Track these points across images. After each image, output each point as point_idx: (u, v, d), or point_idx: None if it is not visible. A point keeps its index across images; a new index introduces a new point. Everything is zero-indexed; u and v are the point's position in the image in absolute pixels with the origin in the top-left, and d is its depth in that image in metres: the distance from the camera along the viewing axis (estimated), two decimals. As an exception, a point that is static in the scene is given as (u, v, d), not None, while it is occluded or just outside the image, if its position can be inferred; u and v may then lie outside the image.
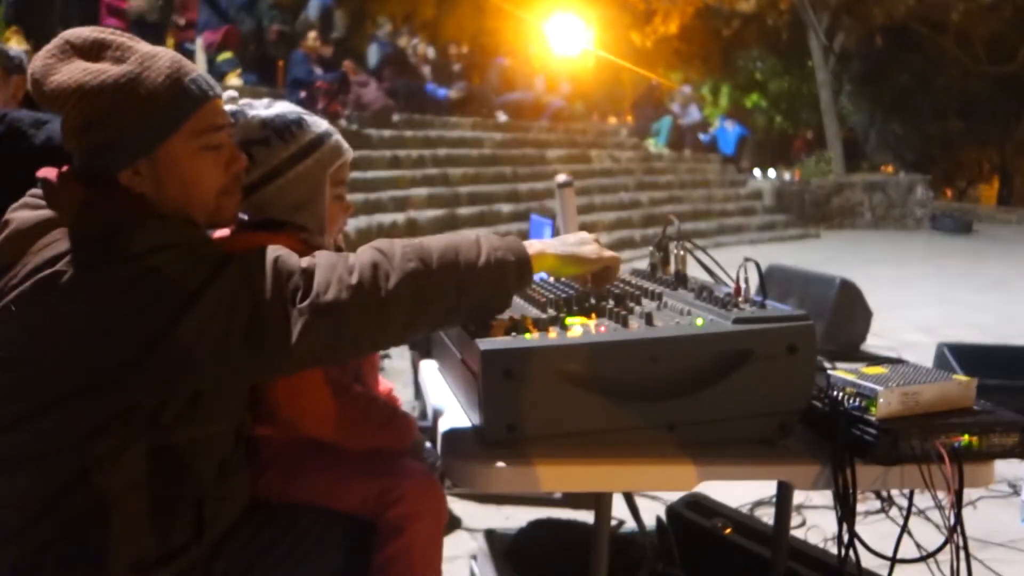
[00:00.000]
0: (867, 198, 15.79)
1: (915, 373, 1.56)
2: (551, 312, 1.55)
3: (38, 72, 1.37)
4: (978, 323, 7.28)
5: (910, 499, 1.59)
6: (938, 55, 19.19)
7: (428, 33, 14.21)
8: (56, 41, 1.39)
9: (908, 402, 1.47)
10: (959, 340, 5.18)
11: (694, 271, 1.78)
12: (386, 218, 8.46)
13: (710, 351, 1.42)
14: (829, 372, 1.59)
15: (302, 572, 1.57)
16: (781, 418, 1.47)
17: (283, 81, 9.92)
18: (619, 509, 1.83)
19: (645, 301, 1.63)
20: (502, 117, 12.60)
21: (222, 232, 1.73)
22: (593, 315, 1.52)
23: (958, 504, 1.44)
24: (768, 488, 3.20)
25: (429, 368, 1.95)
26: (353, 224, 7.58)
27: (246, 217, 1.77)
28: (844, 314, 5.49)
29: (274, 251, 1.36)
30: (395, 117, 10.39)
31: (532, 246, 1.49)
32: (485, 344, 1.37)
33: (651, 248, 1.87)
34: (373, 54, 11.76)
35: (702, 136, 15.84)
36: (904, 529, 1.56)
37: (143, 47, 1.42)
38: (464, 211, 9.74)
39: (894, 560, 1.56)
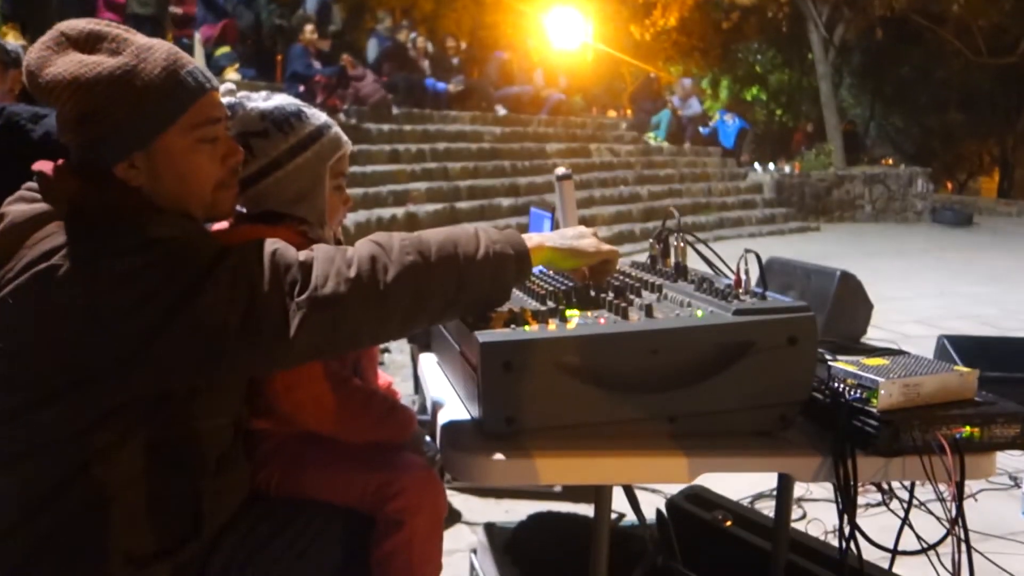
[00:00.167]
0: (867, 191, 15.78)
1: (916, 364, 1.56)
2: (550, 304, 1.54)
3: (33, 64, 1.35)
4: (978, 315, 7.27)
5: (911, 491, 1.59)
6: (938, 47, 19.17)
7: (427, 27, 14.19)
8: (51, 33, 1.38)
9: (909, 393, 1.47)
10: (959, 332, 5.18)
11: (694, 263, 1.77)
12: (385, 212, 8.47)
13: (710, 343, 1.42)
14: (830, 364, 1.58)
15: (301, 566, 1.57)
16: (782, 410, 1.46)
17: (282, 76, 9.91)
18: (619, 502, 1.83)
19: (645, 293, 1.62)
20: (501, 111, 12.60)
21: (220, 225, 1.73)
22: (593, 307, 1.51)
23: (959, 496, 1.44)
24: (768, 481, 3.20)
25: (428, 361, 1.94)
26: (352, 218, 7.59)
27: (244, 210, 1.76)
28: (844, 306, 5.47)
29: (272, 244, 1.36)
30: (394, 111, 10.38)
31: (531, 239, 1.48)
32: (484, 336, 1.36)
33: (651, 240, 1.86)
34: (372, 48, 11.76)
35: (702, 129, 15.83)
36: (905, 521, 1.56)
37: (139, 39, 1.40)
38: (463, 205, 9.74)
39: (895, 552, 1.55)
